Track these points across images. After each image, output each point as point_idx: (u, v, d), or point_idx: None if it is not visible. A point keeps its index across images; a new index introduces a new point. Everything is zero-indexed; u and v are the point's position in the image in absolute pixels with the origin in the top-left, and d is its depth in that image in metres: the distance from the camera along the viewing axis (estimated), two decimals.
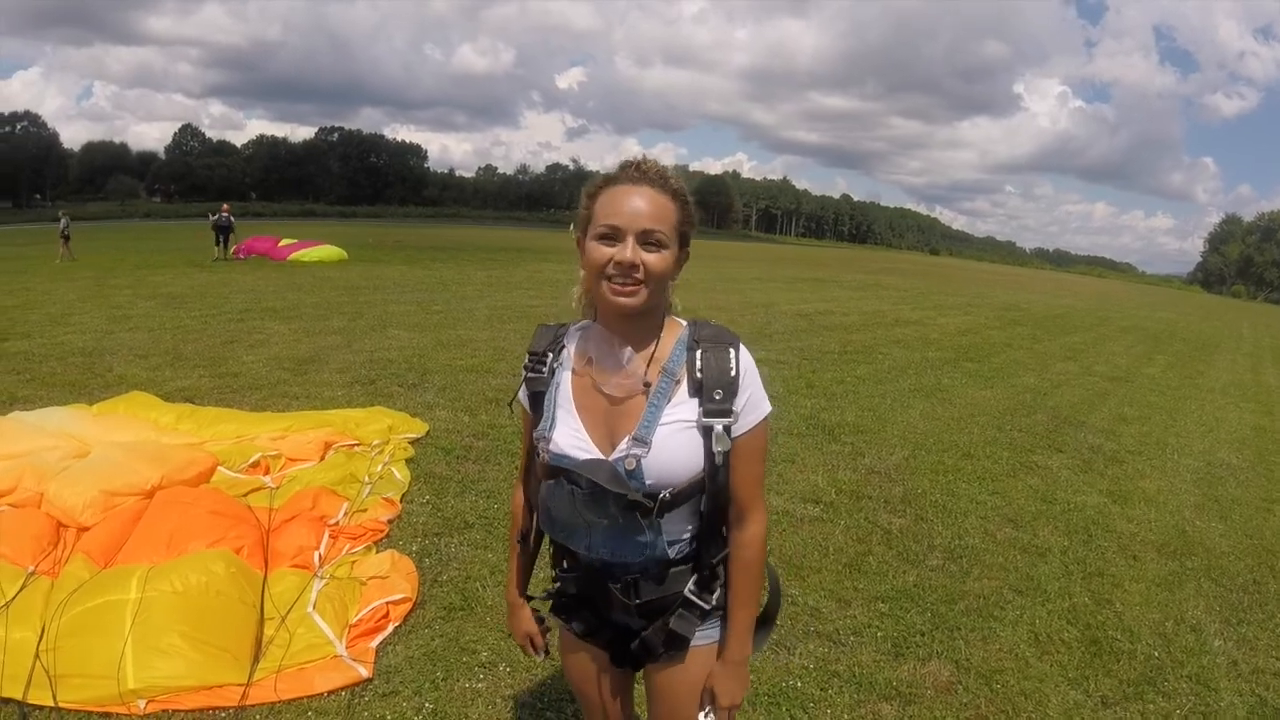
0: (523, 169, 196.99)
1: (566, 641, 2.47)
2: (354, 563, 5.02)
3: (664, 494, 2.04)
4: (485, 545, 5.65)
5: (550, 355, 2.24)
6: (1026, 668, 4.66)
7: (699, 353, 2.07)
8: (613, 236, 1.99)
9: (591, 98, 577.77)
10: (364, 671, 4.04)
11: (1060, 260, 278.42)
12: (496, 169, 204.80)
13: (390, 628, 4.47)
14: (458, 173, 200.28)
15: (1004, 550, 6.33)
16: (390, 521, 5.84)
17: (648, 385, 2.08)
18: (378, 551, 5.30)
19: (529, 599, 2.57)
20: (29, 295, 17.31)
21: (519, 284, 24.69)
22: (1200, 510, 7.87)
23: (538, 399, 2.25)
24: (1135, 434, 10.94)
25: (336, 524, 5.53)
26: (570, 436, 2.13)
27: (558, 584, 2.37)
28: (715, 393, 2.03)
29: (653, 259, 1.98)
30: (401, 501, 6.22)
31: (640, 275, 1.98)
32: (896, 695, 4.30)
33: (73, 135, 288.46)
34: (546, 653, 2.61)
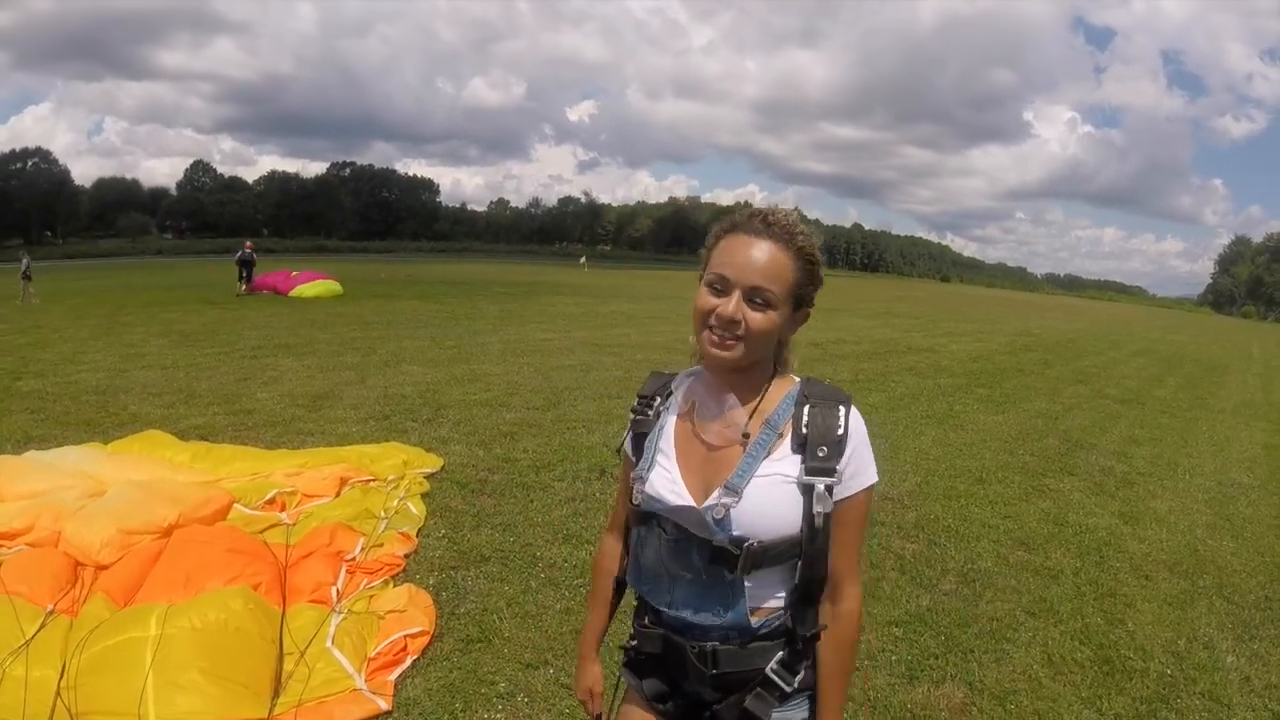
0: (535, 202, 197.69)
1: (631, 699, 2.31)
2: (371, 597, 5.05)
3: (751, 543, 1.93)
4: (501, 578, 5.69)
5: (658, 399, 2.21)
6: (1040, 688, 4.68)
7: (807, 408, 2.01)
8: (721, 287, 1.93)
9: (603, 130, 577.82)
10: (383, 704, 4.07)
11: (1071, 285, 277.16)
12: (509, 202, 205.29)
13: (409, 660, 4.50)
14: (470, 206, 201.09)
15: (1016, 573, 6.36)
16: (407, 556, 5.87)
17: (747, 436, 2.01)
18: (395, 586, 5.33)
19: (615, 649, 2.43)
20: (40, 334, 17.43)
21: (532, 318, 24.76)
22: (1212, 529, 7.88)
23: (640, 441, 2.19)
24: (1146, 455, 10.95)
25: (353, 559, 5.56)
26: (665, 480, 2.08)
27: (634, 641, 2.24)
28: (820, 449, 1.96)
29: (757, 317, 1.91)
30: (418, 536, 6.25)
31: (740, 332, 1.91)
32: (911, 718, 4.33)
33: (84, 171, 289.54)
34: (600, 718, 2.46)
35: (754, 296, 1.91)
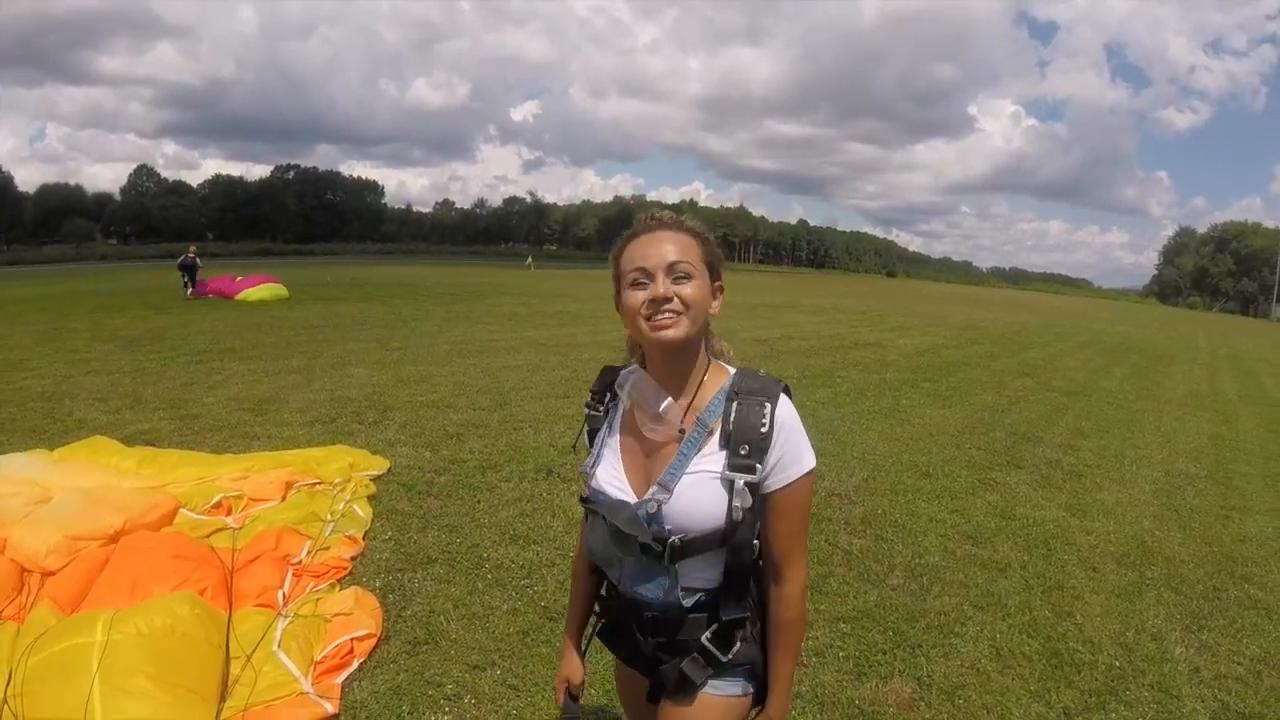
0: (480, 203, 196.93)
1: (617, 662, 2.51)
2: (318, 600, 5.02)
3: (673, 540, 2.07)
4: (448, 580, 5.67)
5: (607, 394, 2.32)
6: (988, 682, 4.71)
7: (735, 404, 2.09)
8: (643, 279, 2.06)
9: (547, 130, 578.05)
10: (330, 708, 4.05)
11: (1017, 278, 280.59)
12: (454, 203, 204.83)
13: (355, 663, 4.48)
14: (415, 208, 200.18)
15: (964, 567, 6.40)
16: (353, 559, 5.84)
17: (682, 433, 2.12)
18: (341, 589, 5.31)
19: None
20: None
21: (479, 319, 24.65)
22: (1159, 520, 7.97)
23: (594, 437, 2.34)
24: (1093, 447, 11.06)
25: (300, 562, 5.52)
26: (609, 475, 2.22)
27: (599, 610, 2.48)
28: (742, 447, 2.05)
29: (685, 289, 2.04)
30: (364, 538, 6.23)
31: (676, 306, 2.03)
32: (859, 714, 4.34)
33: (26, 177, 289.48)
34: (571, 706, 2.57)
35: (676, 272, 2.05)
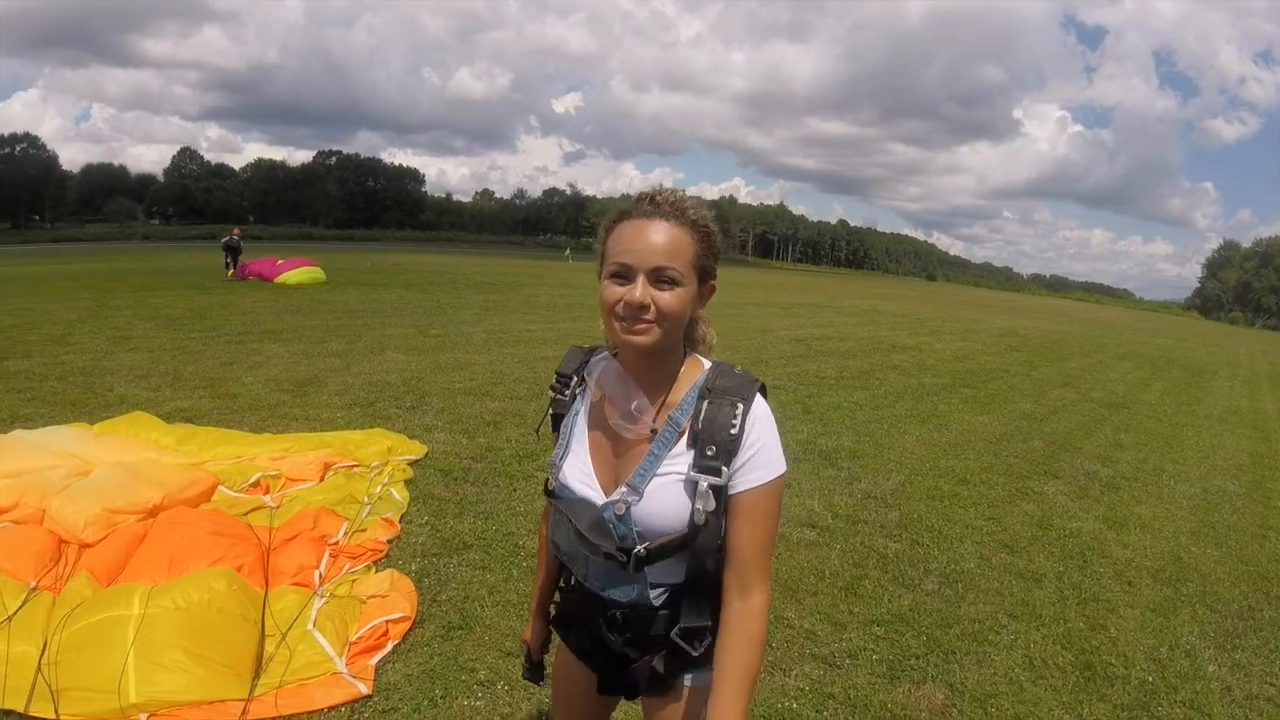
0: (520, 193, 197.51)
1: (561, 655, 2.45)
2: (354, 581, 5.05)
3: (639, 549, 2.01)
4: (483, 566, 5.68)
5: (575, 379, 2.24)
6: (1021, 692, 4.68)
7: (705, 403, 2.00)
8: (624, 275, 1.95)
9: (588, 122, 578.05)
10: (364, 688, 4.07)
11: (1058, 286, 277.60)
12: (494, 193, 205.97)
13: (389, 646, 4.50)
14: (455, 196, 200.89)
15: (999, 575, 6.36)
16: (389, 542, 5.86)
17: (654, 431, 2.05)
18: (377, 571, 5.33)
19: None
20: (28, 315, 17.26)
21: (516, 308, 24.67)
22: (1196, 536, 7.89)
23: (558, 422, 2.26)
24: (1131, 460, 10.97)
25: (336, 543, 5.56)
26: (577, 470, 2.14)
27: (559, 601, 2.41)
28: (709, 448, 1.96)
29: (666, 297, 1.93)
30: (400, 522, 6.25)
31: (651, 316, 1.93)
32: (891, 718, 4.33)
33: (71, 157, 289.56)
34: (532, 669, 2.66)
35: (659, 277, 1.93)
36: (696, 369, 2.11)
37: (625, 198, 2.16)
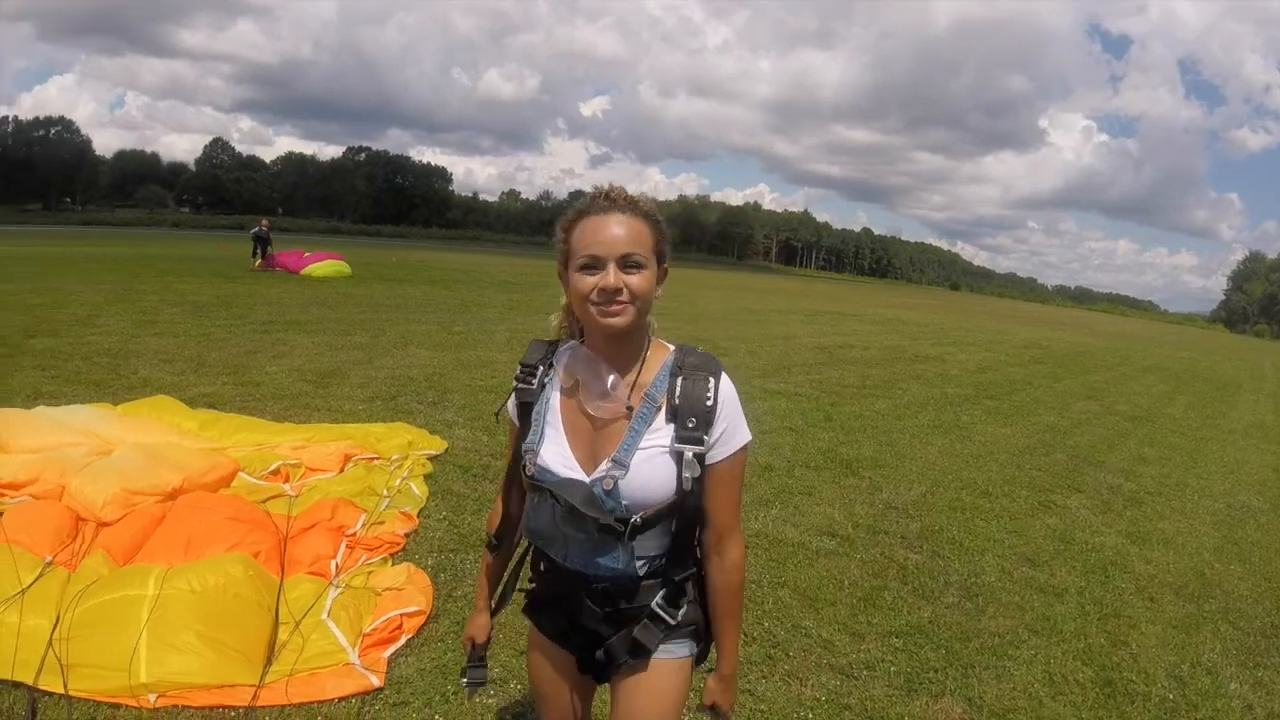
0: (546, 195, 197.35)
1: (535, 642, 2.57)
2: (370, 573, 5.04)
3: (635, 519, 2.16)
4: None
5: (541, 369, 2.35)
6: (1040, 707, 4.63)
7: (680, 380, 2.18)
8: (595, 265, 2.11)
9: (615, 126, 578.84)
10: (375, 680, 4.06)
11: (1082, 297, 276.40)
12: (520, 194, 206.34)
13: (403, 639, 4.48)
14: (481, 196, 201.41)
15: (1020, 589, 6.30)
16: (407, 535, 5.86)
17: (630, 409, 2.19)
18: (394, 564, 5.32)
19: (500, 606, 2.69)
20: (56, 295, 17.41)
21: (539, 308, 24.62)
22: (1219, 553, 7.82)
23: (526, 410, 2.35)
24: (1155, 475, 10.89)
25: (354, 535, 5.55)
26: (556, 454, 2.25)
27: (533, 584, 2.50)
28: (689, 420, 2.14)
29: (635, 280, 2.11)
30: (419, 516, 6.23)
31: (625, 297, 2.10)
32: None
33: (104, 142, 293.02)
34: (474, 671, 2.77)
35: (627, 263, 2.11)
36: (662, 351, 2.30)
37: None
